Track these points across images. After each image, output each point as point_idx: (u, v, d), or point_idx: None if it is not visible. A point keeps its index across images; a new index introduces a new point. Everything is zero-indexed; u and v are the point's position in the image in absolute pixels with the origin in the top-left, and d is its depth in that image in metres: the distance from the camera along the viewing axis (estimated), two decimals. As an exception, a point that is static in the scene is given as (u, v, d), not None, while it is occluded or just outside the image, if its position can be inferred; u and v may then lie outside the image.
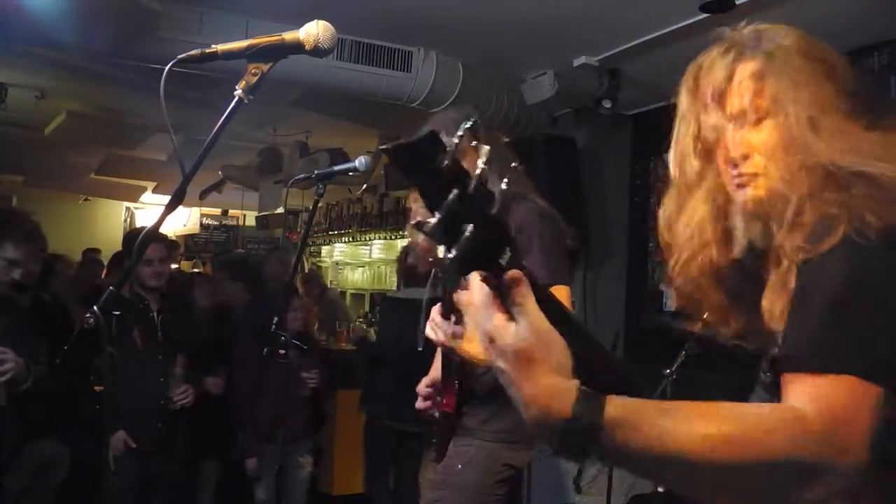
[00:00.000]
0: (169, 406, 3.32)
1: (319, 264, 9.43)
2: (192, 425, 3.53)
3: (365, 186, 7.11)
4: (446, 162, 0.77)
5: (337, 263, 9.34)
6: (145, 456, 3.24)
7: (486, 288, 0.80)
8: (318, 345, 4.60)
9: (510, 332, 0.79)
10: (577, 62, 4.09)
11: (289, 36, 1.45)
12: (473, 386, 2.27)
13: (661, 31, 3.59)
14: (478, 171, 0.78)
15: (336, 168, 2.58)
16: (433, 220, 0.77)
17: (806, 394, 0.83)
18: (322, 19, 1.46)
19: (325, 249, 9.48)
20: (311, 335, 4.66)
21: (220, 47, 1.42)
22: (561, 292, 2.21)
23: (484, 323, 0.81)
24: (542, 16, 3.58)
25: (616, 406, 0.78)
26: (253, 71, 1.42)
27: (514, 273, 0.79)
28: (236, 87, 1.41)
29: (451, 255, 0.77)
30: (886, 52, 3.54)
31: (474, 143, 0.81)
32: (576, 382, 0.79)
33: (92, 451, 3.34)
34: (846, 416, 0.81)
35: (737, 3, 3.08)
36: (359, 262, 8.85)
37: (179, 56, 1.40)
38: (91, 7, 3.28)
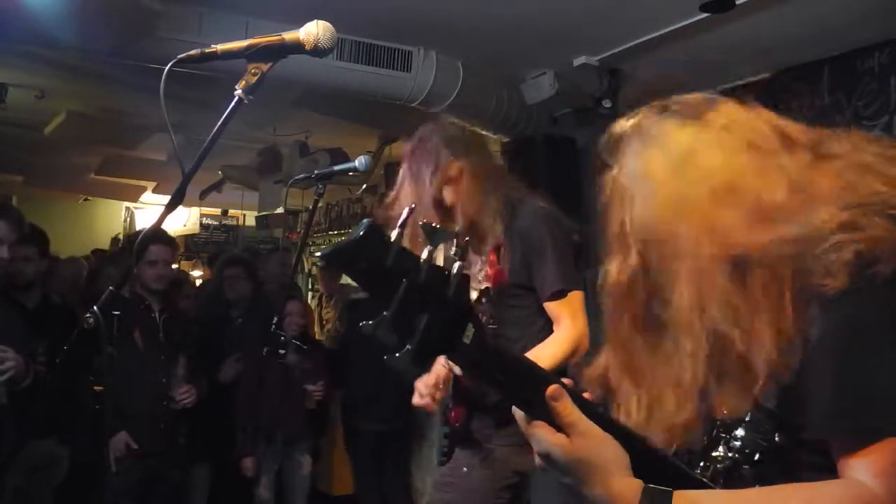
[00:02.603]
0: (171, 406, 3.31)
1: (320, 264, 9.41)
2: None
3: (365, 186, 7.09)
4: (391, 256, 0.72)
5: (337, 263, 9.31)
6: (147, 457, 3.24)
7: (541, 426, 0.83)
8: (318, 345, 4.59)
9: (563, 445, 0.83)
10: (577, 62, 4.09)
11: (289, 36, 1.45)
12: (481, 404, 2.27)
13: (661, 31, 3.59)
14: (424, 256, 0.74)
15: (336, 168, 2.59)
16: (378, 321, 0.73)
17: (865, 470, 0.81)
18: (322, 19, 1.46)
19: (325, 249, 9.46)
20: (311, 335, 4.65)
21: (220, 47, 1.42)
22: (575, 297, 2.21)
23: (537, 445, 0.85)
24: (542, 16, 3.58)
25: (684, 498, 0.79)
26: (253, 71, 1.42)
27: (553, 390, 0.82)
28: (236, 87, 1.41)
29: (405, 350, 0.74)
30: (886, 52, 3.53)
31: (421, 223, 0.76)
32: (639, 481, 0.81)
33: (92, 451, 3.34)
34: None
35: (737, 2, 3.07)
36: (359, 263, 8.82)
37: (179, 56, 1.40)
38: (91, 7, 3.27)
